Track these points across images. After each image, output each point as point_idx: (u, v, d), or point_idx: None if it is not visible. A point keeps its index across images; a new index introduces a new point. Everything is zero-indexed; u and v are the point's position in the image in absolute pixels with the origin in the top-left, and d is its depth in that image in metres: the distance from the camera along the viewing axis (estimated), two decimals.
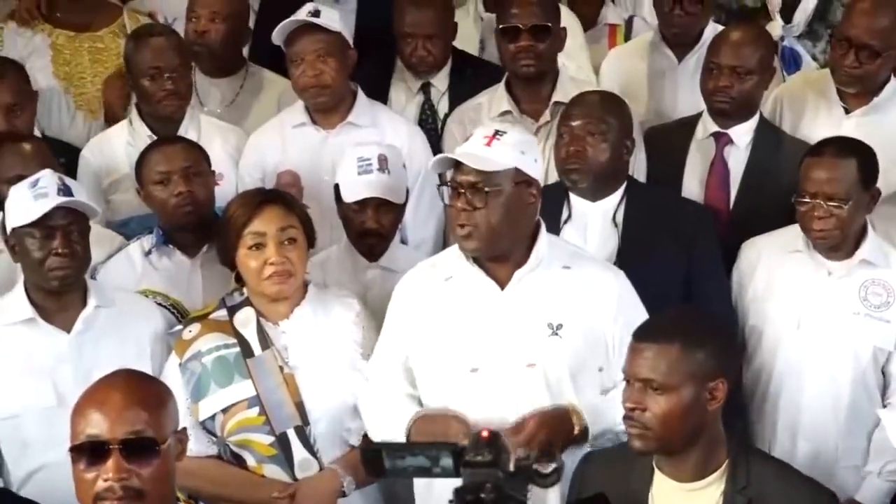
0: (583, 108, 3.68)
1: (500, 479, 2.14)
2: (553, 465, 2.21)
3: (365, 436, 3.27)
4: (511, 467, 2.19)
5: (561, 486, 2.96)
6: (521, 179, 3.08)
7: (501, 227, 3.07)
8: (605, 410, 3.11)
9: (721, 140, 4.04)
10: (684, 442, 2.73)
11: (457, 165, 3.11)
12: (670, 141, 4.15)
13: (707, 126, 4.07)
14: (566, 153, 3.62)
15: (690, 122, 4.14)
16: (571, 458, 2.98)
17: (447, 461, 2.18)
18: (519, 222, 3.12)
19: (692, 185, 4.05)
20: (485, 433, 2.19)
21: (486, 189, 3.03)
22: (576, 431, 3.08)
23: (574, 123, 3.63)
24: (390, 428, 3.16)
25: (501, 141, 3.07)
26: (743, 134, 4.02)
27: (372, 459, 2.24)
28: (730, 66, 3.95)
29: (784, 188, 3.64)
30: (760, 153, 4.01)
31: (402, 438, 3.11)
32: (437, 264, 3.29)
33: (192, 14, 4.49)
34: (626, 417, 2.74)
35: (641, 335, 2.78)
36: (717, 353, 2.77)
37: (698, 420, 2.72)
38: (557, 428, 3.06)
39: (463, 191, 3.06)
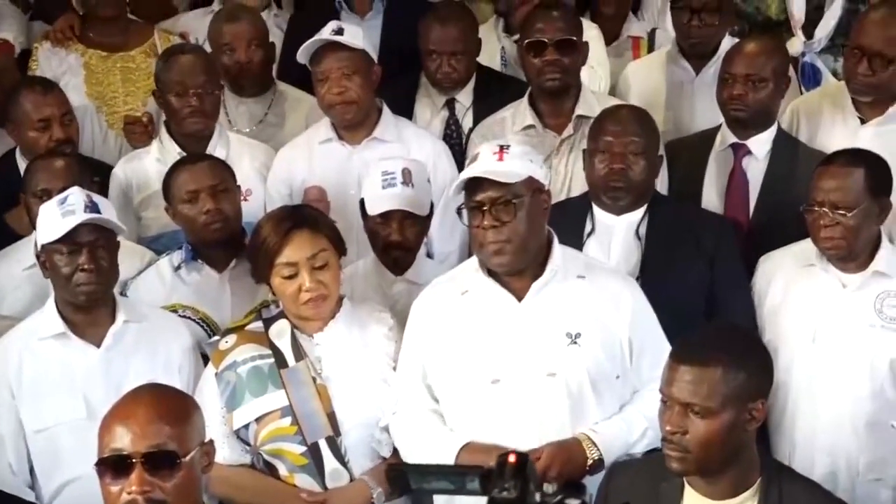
0: (620, 125, 3.67)
1: None
2: (580, 500, 2.12)
3: (395, 452, 3.29)
4: (537, 498, 2.10)
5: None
6: (535, 187, 3.11)
7: (528, 237, 3.09)
8: (619, 434, 3.12)
9: (739, 151, 4.04)
10: (723, 463, 2.66)
11: (470, 187, 3.11)
12: (690, 153, 4.14)
13: (725, 137, 4.06)
14: (609, 170, 3.62)
15: (710, 135, 4.15)
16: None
17: (474, 485, 2.13)
18: (540, 231, 3.14)
19: (712, 197, 4.05)
20: (512, 457, 2.10)
21: (514, 201, 3.05)
22: (589, 462, 3.07)
23: (613, 140, 3.63)
24: (427, 455, 3.14)
25: (510, 153, 3.10)
26: (761, 145, 4.02)
27: (397, 478, 2.22)
28: (744, 74, 3.95)
29: (801, 198, 3.59)
30: (778, 164, 4.00)
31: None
32: (454, 278, 3.31)
33: (227, 45, 4.49)
34: (664, 440, 2.67)
35: (681, 356, 2.67)
36: (758, 373, 2.70)
37: (738, 441, 2.65)
38: (569, 461, 3.05)
39: (486, 208, 3.07)
